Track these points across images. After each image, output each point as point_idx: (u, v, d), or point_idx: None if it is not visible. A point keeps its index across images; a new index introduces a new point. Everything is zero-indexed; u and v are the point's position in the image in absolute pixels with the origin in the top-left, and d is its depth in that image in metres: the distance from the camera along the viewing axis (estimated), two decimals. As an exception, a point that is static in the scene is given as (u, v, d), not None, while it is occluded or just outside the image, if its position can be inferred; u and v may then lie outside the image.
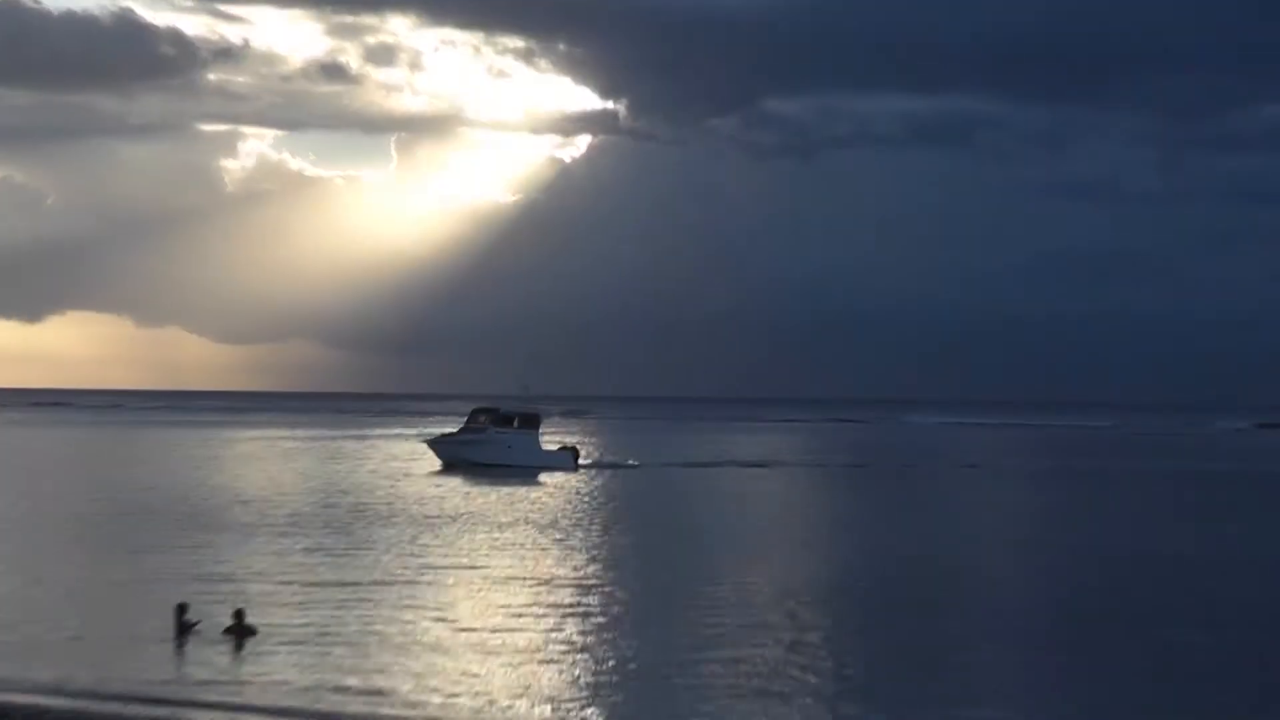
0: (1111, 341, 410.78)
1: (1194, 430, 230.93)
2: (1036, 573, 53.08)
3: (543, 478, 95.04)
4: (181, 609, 36.77)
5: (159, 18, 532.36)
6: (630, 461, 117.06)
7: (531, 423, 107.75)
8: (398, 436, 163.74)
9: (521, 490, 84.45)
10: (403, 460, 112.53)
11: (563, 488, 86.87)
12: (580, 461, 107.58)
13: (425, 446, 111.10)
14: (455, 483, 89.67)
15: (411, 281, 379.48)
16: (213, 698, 29.85)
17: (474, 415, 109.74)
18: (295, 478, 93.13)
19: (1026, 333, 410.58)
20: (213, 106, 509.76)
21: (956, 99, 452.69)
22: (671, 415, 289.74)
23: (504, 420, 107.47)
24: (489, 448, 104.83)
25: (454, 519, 66.20)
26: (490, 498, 78.45)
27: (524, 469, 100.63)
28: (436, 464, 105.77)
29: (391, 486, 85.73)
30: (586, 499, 79.38)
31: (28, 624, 37.82)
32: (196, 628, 36.25)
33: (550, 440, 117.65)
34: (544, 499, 78.38)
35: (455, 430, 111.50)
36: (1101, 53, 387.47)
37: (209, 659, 33.56)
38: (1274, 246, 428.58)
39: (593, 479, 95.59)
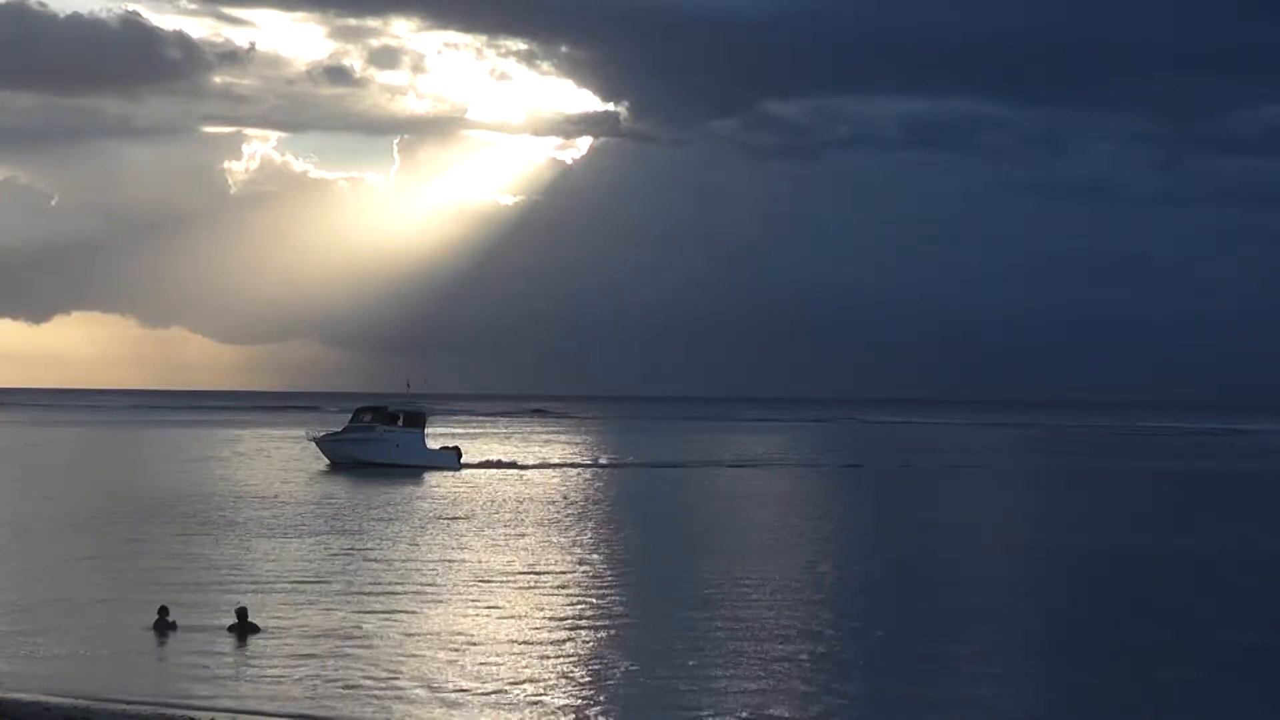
0: (1110, 341, 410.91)
1: (1192, 430, 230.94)
2: (994, 569, 53.38)
3: (428, 477, 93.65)
4: (163, 610, 36.99)
5: (164, 21, 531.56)
6: (516, 461, 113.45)
7: (417, 421, 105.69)
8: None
9: (444, 488, 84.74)
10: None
11: (465, 485, 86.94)
12: (463, 461, 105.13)
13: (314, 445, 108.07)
14: (356, 481, 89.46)
15: (414, 282, 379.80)
16: (215, 697, 29.96)
17: (358, 414, 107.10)
18: (287, 476, 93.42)
19: (1025, 333, 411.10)
20: (217, 109, 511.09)
21: (956, 100, 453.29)
22: (654, 415, 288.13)
23: (390, 419, 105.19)
24: (378, 446, 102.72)
25: (433, 519, 66.69)
26: (450, 496, 78.83)
27: (410, 468, 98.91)
28: (324, 462, 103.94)
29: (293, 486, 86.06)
30: (566, 496, 79.73)
31: (30, 623, 37.94)
32: (174, 627, 36.42)
33: (435, 440, 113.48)
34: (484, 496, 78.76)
35: (340, 429, 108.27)
36: (1100, 54, 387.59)
37: (211, 657, 33.71)
38: (1273, 247, 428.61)
39: (475, 479, 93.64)
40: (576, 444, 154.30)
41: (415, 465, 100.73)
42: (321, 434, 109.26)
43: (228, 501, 73.90)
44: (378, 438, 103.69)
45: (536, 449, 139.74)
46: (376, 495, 79.66)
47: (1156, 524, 72.89)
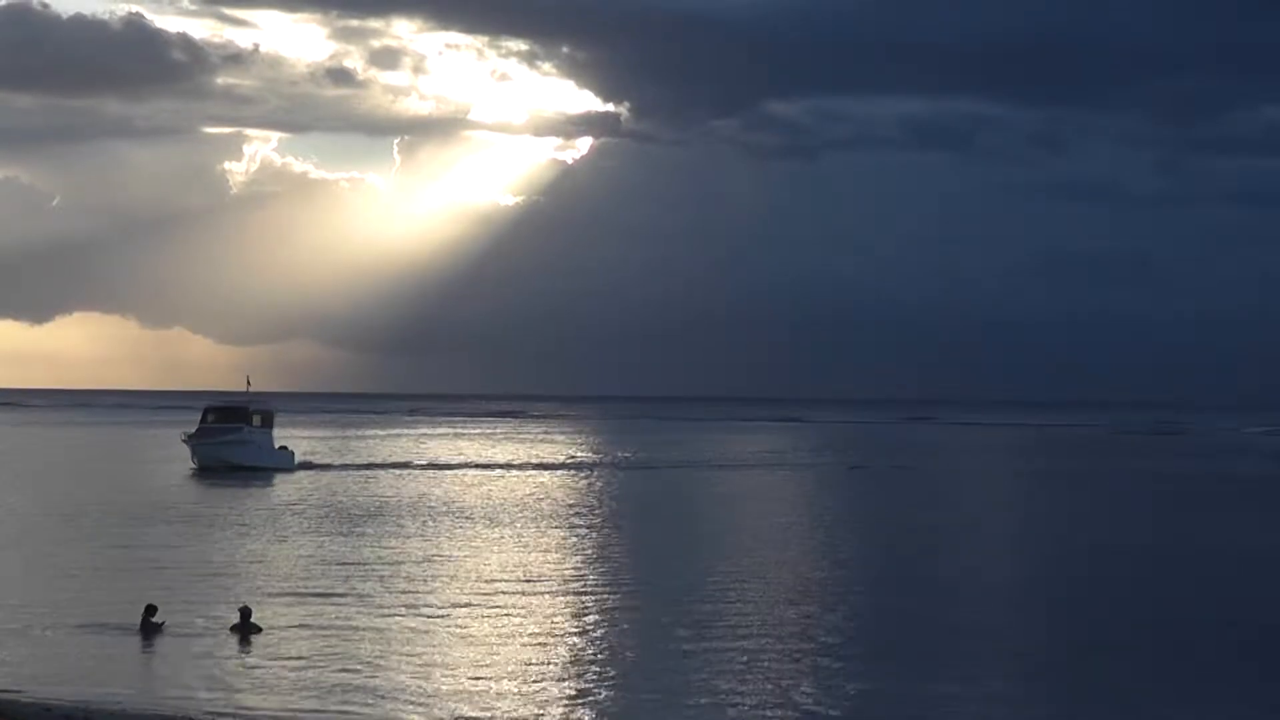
0: (1110, 342, 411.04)
1: (1191, 430, 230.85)
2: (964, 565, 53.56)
3: (279, 478, 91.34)
4: (150, 610, 37.00)
5: (167, 22, 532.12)
6: (326, 461, 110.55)
7: (269, 421, 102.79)
8: (389, 436, 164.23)
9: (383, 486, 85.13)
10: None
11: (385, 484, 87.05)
12: (296, 460, 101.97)
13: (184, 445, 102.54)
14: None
15: (414, 282, 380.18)
16: (216, 697, 30.05)
17: (205, 414, 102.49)
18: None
19: (1025, 333, 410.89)
20: (218, 110, 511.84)
21: (956, 101, 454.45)
22: (647, 415, 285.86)
23: (248, 418, 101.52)
24: (246, 449, 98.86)
25: (437, 516, 66.91)
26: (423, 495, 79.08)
27: (266, 470, 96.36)
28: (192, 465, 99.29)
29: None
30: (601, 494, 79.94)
31: (31, 623, 38.01)
32: (163, 628, 36.48)
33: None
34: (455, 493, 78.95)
35: (197, 430, 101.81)
36: (1100, 54, 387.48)
37: (213, 658, 33.80)
38: (1273, 248, 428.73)
39: (318, 478, 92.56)
40: (521, 445, 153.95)
41: (267, 467, 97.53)
42: (187, 435, 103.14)
43: (224, 501, 74.05)
44: (245, 439, 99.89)
45: (433, 448, 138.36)
46: (358, 495, 79.68)
47: (1154, 524, 73.02)
